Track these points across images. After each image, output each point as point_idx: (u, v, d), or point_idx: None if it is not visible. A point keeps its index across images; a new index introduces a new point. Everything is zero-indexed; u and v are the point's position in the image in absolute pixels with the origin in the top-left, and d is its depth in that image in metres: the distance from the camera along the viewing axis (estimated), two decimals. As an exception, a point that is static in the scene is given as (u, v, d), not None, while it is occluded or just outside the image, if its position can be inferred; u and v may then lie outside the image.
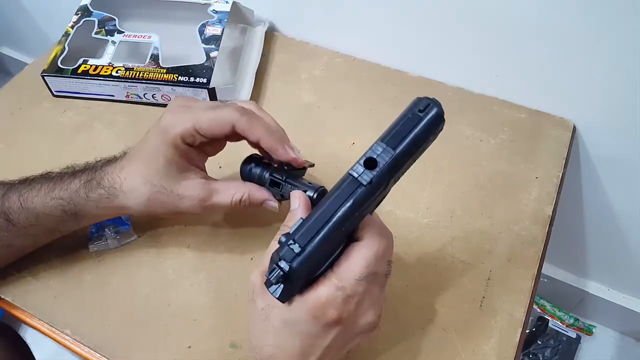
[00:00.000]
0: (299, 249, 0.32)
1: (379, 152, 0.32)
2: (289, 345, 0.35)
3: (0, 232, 0.43)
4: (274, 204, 0.45)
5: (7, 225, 0.43)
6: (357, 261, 0.33)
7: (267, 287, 0.34)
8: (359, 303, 0.34)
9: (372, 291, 0.35)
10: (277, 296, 0.34)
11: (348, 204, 0.32)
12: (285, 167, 0.45)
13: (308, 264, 0.32)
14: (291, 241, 0.32)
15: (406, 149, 0.32)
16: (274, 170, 0.45)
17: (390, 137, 0.32)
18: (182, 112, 0.42)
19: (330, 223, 0.32)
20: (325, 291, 0.33)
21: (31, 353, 0.57)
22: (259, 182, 0.46)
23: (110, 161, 0.45)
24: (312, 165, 0.47)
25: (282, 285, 0.34)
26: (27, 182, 0.45)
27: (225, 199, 0.44)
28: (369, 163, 0.32)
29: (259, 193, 0.45)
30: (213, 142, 0.44)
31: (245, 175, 0.46)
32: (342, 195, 0.32)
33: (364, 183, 0.31)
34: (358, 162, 0.32)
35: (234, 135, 0.43)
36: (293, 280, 0.33)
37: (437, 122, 0.33)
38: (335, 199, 0.32)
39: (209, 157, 0.47)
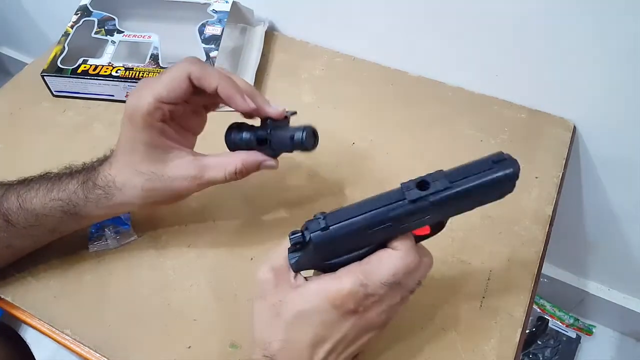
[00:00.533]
0: (324, 224, 0.34)
1: (436, 179, 0.32)
2: (300, 337, 0.35)
3: (0, 233, 0.43)
4: (271, 162, 0.44)
5: (7, 226, 0.43)
6: (386, 266, 0.34)
7: (289, 253, 0.37)
8: (376, 304, 0.35)
9: (392, 298, 0.35)
10: (292, 262, 0.36)
11: (382, 210, 0.33)
12: (268, 122, 0.43)
13: (326, 243, 0.34)
14: (321, 216, 0.34)
15: (462, 189, 0.32)
16: (257, 129, 0.44)
17: (454, 172, 0.33)
18: (141, 90, 0.41)
19: (360, 217, 0.33)
20: (349, 283, 0.34)
21: (31, 353, 0.57)
22: (247, 146, 0.44)
23: (103, 160, 0.45)
24: (295, 113, 0.45)
25: (297, 255, 0.36)
26: (25, 182, 0.45)
27: (218, 173, 0.43)
28: (421, 184, 0.33)
29: (252, 158, 0.44)
30: (190, 114, 0.43)
31: (231, 143, 0.45)
32: (384, 200, 0.33)
33: (407, 199, 0.32)
34: (416, 179, 0.33)
35: (200, 95, 0.42)
36: (309, 252, 0.35)
37: (504, 182, 0.32)
38: (376, 200, 0.33)
39: (197, 136, 0.46)
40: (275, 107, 0.43)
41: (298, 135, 0.42)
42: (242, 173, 0.44)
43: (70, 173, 0.45)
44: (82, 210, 0.43)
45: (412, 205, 0.32)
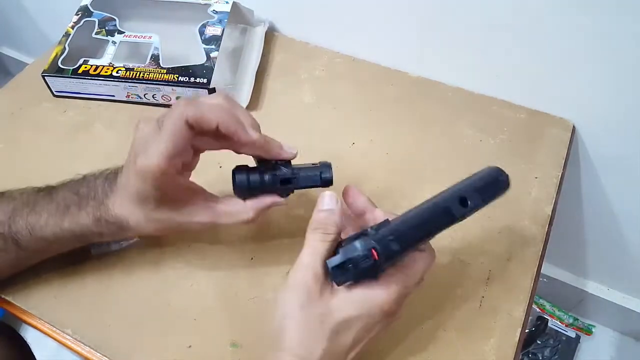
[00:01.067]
0: (397, 247, 0.36)
1: (471, 195, 0.38)
2: (341, 343, 0.36)
3: (9, 256, 0.43)
4: (281, 202, 0.44)
5: (17, 250, 0.42)
6: (421, 268, 0.39)
7: (339, 275, 0.36)
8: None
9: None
10: (335, 275, 0.36)
11: (437, 229, 0.38)
12: (279, 163, 0.43)
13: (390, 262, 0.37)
14: (391, 237, 0.36)
15: (487, 202, 0.39)
16: (275, 170, 0.43)
17: (482, 189, 0.40)
18: (148, 149, 0.38)
19: (421, 239, 0.38)
20: (396, 290, 0.37)
21: (32, 353, 0.57)
22: (262, 188, 0.43)
23: (109, 189, 0.42)
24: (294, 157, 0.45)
25: (351, 272, 0.36)
26: (29, 204, 0.43)
27: (229, 222, 0.43)
28: (463, 201, 0.38)
29: (262, 204, 0.43)
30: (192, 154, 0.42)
31: (246, 188, 0.43)
32: (436, 218, 0.38)
33: (456, 216, 0.38)
34: (452, 196, 0.38)
35: (203, 136, 0.40)
36: (369, 273, 0.36)
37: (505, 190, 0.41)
38: (430, 218, 0.38)
39: (199, 155, 0.46)
40: (289, 149, 0.43)
41: (326, 174, 0.44)
42: (254, 220, 0.43)
43: (77, 202, 0.42)
44: (94, 239, 0.45)
45: (458, 219, 0.38)
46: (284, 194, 0.44)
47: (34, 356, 0.57)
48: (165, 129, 0.38)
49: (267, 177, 0.43)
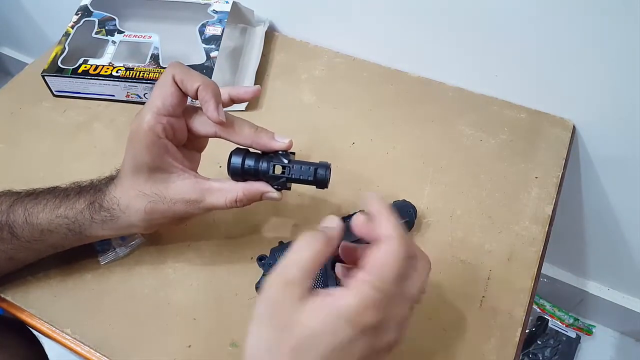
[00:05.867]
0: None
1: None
2: None
3: (4, 245, 0.43)
4: (274, 194, 0.43)
5: (11, 239, 0.43)
6: (390, 260, 0.30)
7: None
8: (395, 306, 0.30)
9: (402, 307, 0.31)
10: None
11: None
12: (280, 153, 0.43)
13: None
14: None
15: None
16: (270, 158, 0.43)
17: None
18: (140, 113, 0.41)
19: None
20: (362, 291, 0.29)
21: (43, 348, 0.57)
22: (256, 174, 0.43)
23: (110, 181, 0.44)
24: (293, 154, 0.45)
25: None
26: (33, 195, 0.44)
27: (219, 200, 0.43)
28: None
29: (255, 189, 0.43)
30: (194, 136, 0.44)
31: (239, 172, 0.43)
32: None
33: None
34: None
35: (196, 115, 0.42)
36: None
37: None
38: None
39: (201, 153, 0.46)
40: (281, 139, 0.42)
41: (322, 171, 0.42)
42: (242, 202, 0.43)
43: (78, 191, 0.44)
44: (87, 230, 0.43)
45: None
46: (279, 186, 0.43)
47: (44, 352, 0.57)
48: (154, 91, 0.41)
49: (262, 163, 0.43)
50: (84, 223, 0.43)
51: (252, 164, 0.43)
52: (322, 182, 0.43)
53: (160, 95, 0.40)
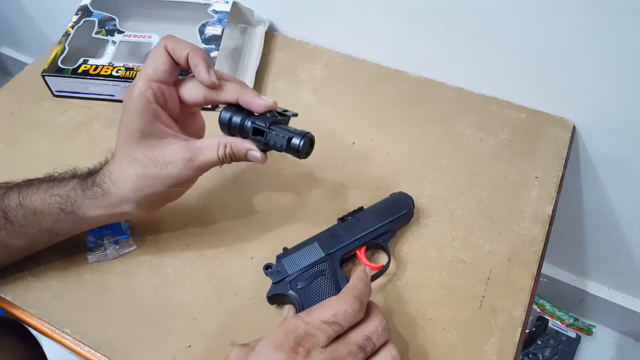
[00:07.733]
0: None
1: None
2: None
3: None
4: (256, 153, 0.43)
5: (5, 223, 0.43)
6: (328, 306, 0.36)
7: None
8: (318, 348, 0.34)
9: (336, 349, 0.34)
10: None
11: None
12: (268, 115, 0.43)
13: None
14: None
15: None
16: (257, 118, 0.43)
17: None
18: (135, 80, 0.42)
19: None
20: (291, 321, 0.35)
21: (42, 350, 0.57)
22: (241, 131, 0.43)
23: (105, 163, 0.45)
24: (296, 115, 0.45)
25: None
26: (29, 181, 0.45)
27: (211, 154, 0.43)
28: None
29: (240, 144, 0.43)
30: (185, 114, 0.45)
31: (226, 124, 0.44)
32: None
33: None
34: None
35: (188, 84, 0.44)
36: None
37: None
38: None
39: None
40: (264, 99, 0.43)
41: (296, 140, 0.41)
42: (230, 156, 0.43)
43: (73, 173, 0.45)
44: (78, 209, 0.43)
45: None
46: (261, 147, 0.43)
47: (43, 353, 0.57)
48: (147, 59, 0.43)
49: (247, 122, 0.43)
50: (75, 200, 0.43)
51: (239, 121, 0.43)
52: (295, 151, 0.42)
53: (152, 63, 0.42)
